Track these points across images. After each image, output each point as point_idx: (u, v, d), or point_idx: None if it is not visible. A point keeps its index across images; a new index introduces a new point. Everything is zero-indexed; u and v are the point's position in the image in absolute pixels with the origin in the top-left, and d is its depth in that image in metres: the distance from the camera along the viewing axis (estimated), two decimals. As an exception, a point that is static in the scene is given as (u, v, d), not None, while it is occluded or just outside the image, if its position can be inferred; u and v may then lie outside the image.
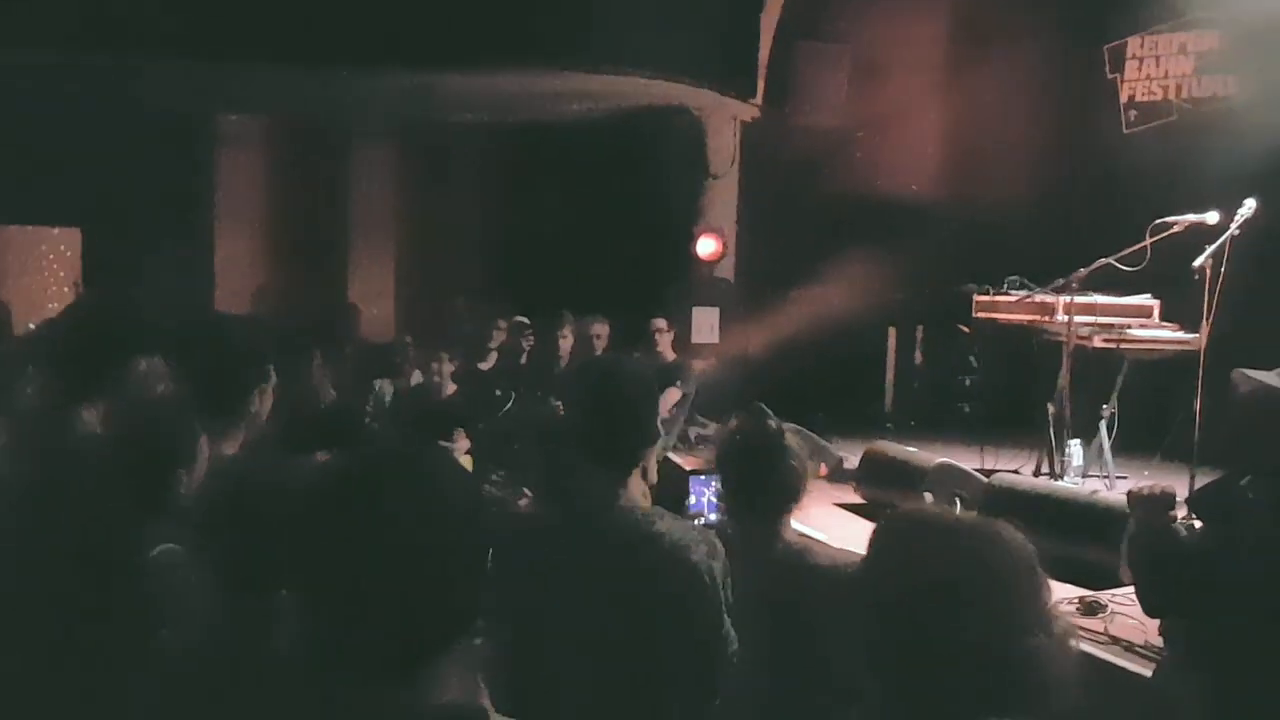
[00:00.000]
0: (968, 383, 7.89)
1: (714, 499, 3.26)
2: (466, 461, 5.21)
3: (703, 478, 3.32)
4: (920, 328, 8.27)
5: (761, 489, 2.40)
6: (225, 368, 2.54)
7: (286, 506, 1.46)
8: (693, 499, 3.27)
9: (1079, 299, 5.39)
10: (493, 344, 6.15)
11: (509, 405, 5.71)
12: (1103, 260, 5.22)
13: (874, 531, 1.33)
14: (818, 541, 2.52)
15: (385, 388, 6.02)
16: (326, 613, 1.06)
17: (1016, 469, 5.72)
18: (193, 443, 2.32)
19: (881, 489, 5.18)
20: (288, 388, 3.31)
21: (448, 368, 5.29)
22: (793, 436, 2.48)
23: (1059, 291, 5.48)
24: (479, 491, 1.22)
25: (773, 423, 2.47)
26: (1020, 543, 1.22)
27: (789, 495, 2.42)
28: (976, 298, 6.12)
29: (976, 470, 5.26)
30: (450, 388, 5.37)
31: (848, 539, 4.13)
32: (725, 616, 2.03)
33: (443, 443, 5.06)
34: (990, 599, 1.15)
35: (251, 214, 8.20)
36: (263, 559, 1.63)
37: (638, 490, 2.14)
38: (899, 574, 1.23)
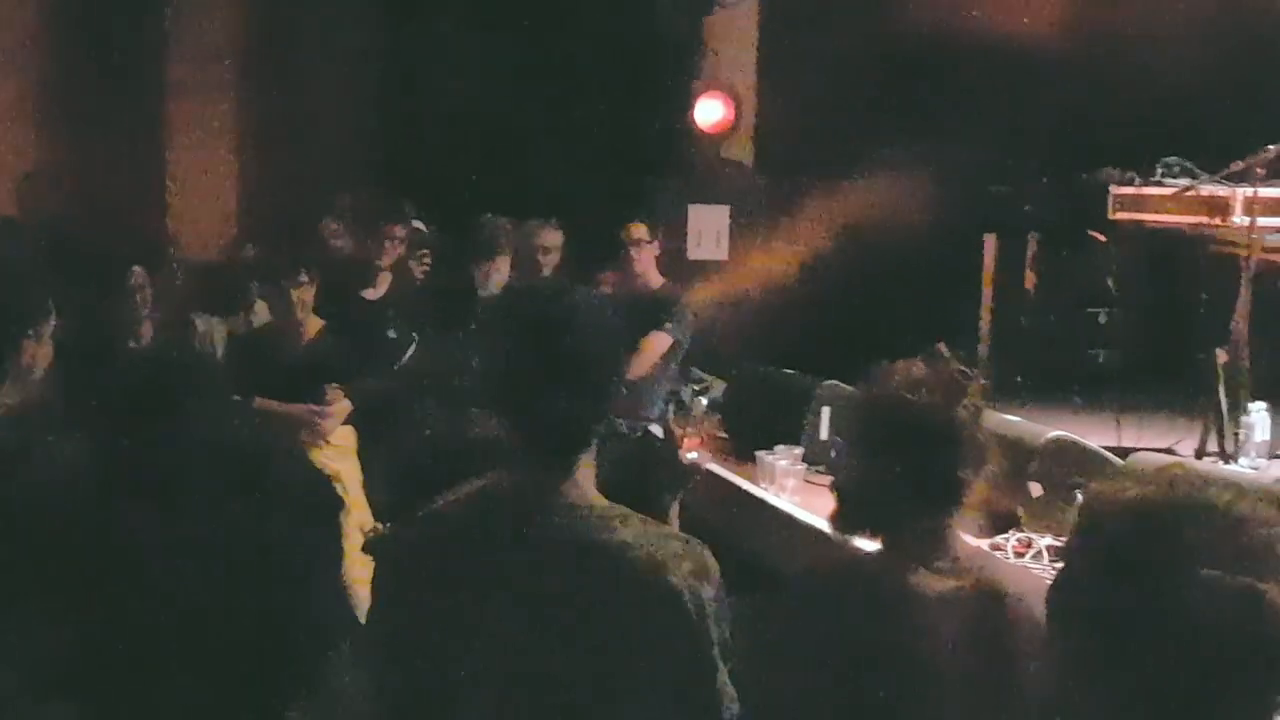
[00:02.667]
0: (1102, 318, 7.99)
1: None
2: (345, 436, 5.29)
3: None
4: (1032, 236, 8.34)
5: (940, 477, 2.36)
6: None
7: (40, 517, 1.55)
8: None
9: (1268, 192, 5.45)
10: (383, 262, 6.17)
11: (408, 353, 5.75)
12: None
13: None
14: (998, 558, 2.51)
15: (214, 328, 6.05)
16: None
17: (1170, 447, 5.83)
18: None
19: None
20: (81, 329, 3.34)
21: (308, 296, 5.32)
22: (977, 392, 2.44)
23: (1238, 181, 5.54)
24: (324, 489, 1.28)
25: (963, 374, 2.45)
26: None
27: (964, 491, 2.39)
28: (1115, 191, 6.18)
29: (1109, 449, 5.36)
30: (314, 326, 5.41)
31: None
32: (719, 662, 2.10)
33: (305, 408, 5.13)
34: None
35: (14, 64, 8.13)
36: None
37: (590, 482, 2.19)
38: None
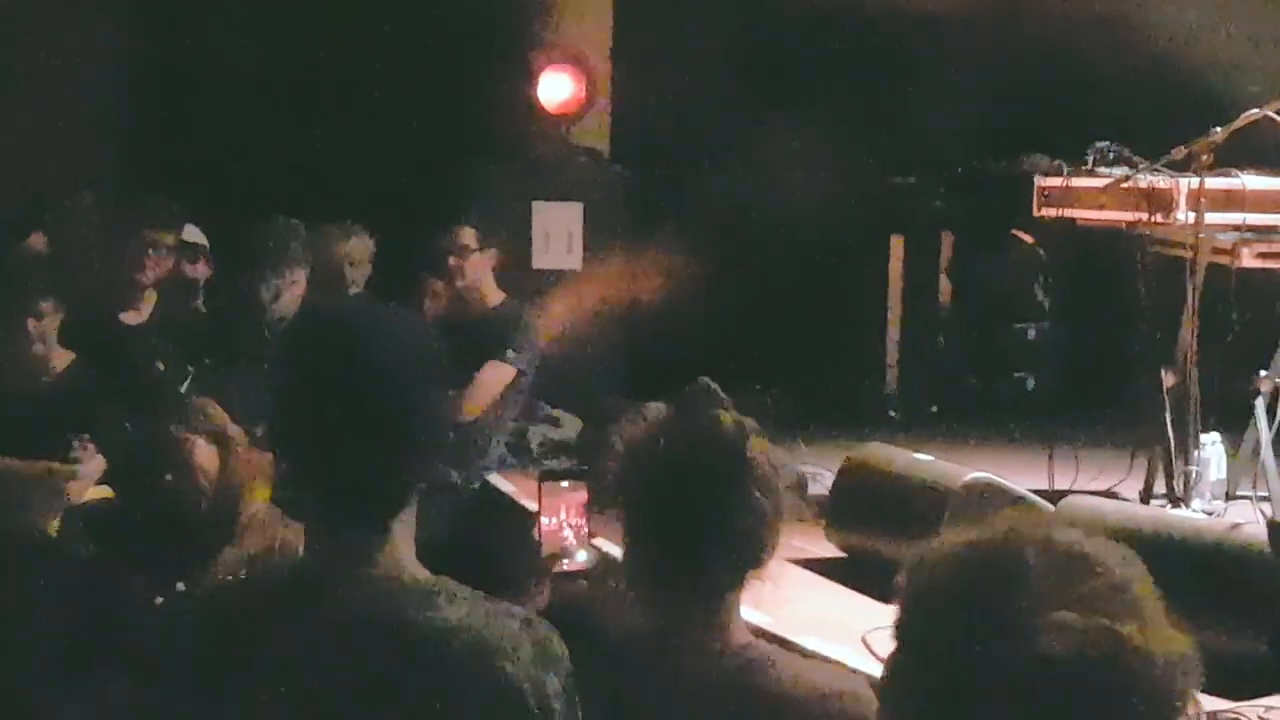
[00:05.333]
0: (1030, 334, 8.20)
1: (583, 525, 3.31)
2: (97, 495, 5.15)
3: (565, 485, 3.36)
4: (946, 237, 8.52)
5: (702, 541, 2.48)
6: None
7: None
8: (544, 528, 3.33)
9: (1215, 182, 5.63)
10: (145, 278, 6.05)
11: (181, 389, 5.65)
12: (1254, 113, 5.48)
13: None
14: (786, 649, 2.61)
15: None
16: None
17: (1109, 488, 5.99)
18: None
19: (870, 529, 5.36)
20: None
21: (52, 323, 5.20)
22: (761, 443, 2.55)
23: (1180, 170, 5.72)
24: None
25: (729, 416, 2.54)
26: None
27: (747, 560, 2.50)
28: (1041, 183, 6.34)
29: (1038, 493, 5.48)
30: (60, 360, 5.29)
31: (817, 627, 4.25)
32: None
33: (45, 466, 4.96)
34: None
35: None
36: None
37: (409, 549, 2.18)
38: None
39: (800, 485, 6.02)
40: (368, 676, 2.06)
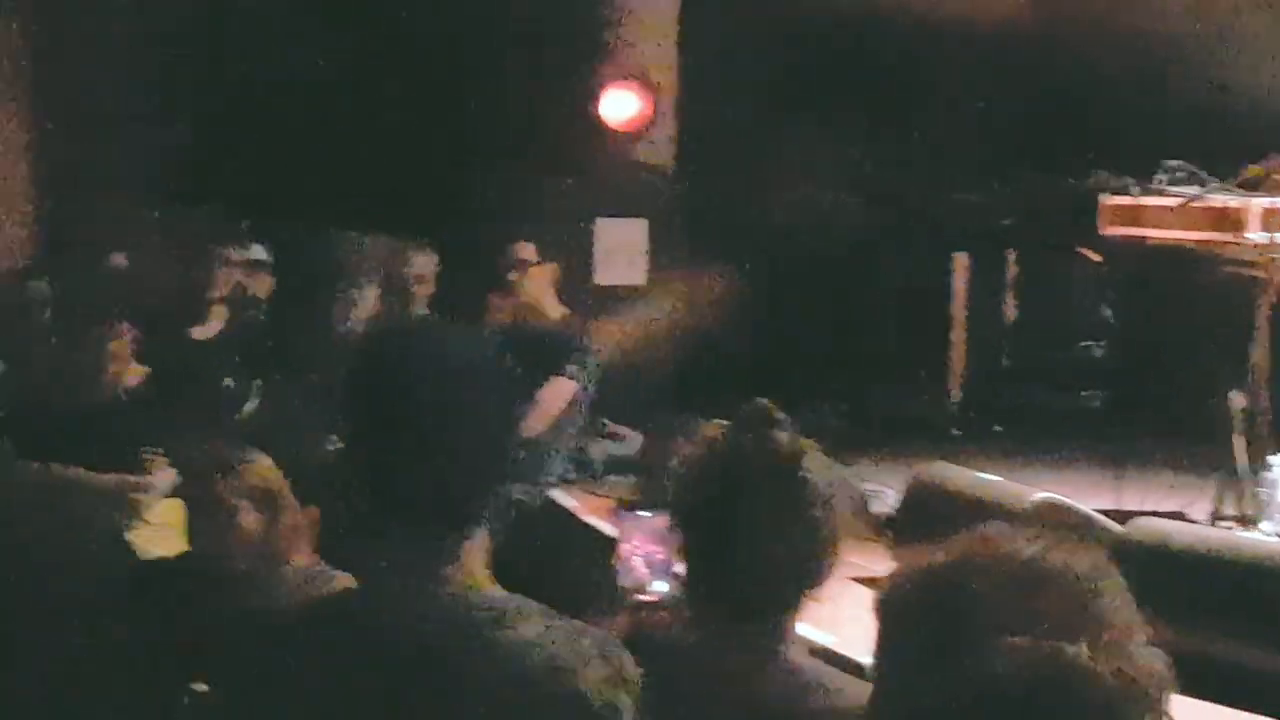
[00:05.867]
0: (1097, 352, 8.13)
1: (660, 556, 3.28)
2: (169, 512, 5.19)
3: (644, 515, 3.35)
4: (1011, 254, 8.47)
5: (758, 561, 2.48)
6: None
7: None
8: (623, 553, 3.31)
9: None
10: (214, 293, 6.11)
11: (248, 406, 5.69)
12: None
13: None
14: (846, 670, 2.60)
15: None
16: None
17: (1179, 510, 5.93)
18: None
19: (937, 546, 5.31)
20: None
21: (125, 348, 5.25)
22: (818, 460, 2.55)
23: (1253, 189, 5.67)
24: None
25: (785, 435, 2.54)
26: None
27: (807, 573, 2.50)
28: (1107, 201, 6.30)
29: (1106, 513, 5.43)
30: (133, 373, 5.34)
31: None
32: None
33: (118, 478, 5.01)
34: None
35: None
36: None
37: (480, 567, 2.19)
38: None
39: (861, 504, 6.01)
40: (441, 695, 2.06)
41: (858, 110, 7.62)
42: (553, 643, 2.09)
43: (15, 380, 5.83)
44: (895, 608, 1.57)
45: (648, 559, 3.31)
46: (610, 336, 6.80)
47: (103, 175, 7.70)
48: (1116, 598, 1.52)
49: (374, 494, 2.16)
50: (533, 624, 2.11)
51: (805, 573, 2.52)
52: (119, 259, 6.42)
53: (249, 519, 3.82)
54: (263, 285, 6.36)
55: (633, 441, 6.96)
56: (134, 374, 5.35)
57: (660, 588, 3.23)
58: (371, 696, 2.07)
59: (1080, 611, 1.48)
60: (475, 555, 2.18)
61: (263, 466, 3.98)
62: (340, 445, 2.27)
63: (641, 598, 3.25)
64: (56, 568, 3.59)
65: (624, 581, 3.28)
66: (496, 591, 2.17)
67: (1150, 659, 1.48)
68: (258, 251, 6.40)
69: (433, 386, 2.11)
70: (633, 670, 2.15)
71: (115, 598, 3.67)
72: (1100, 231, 6.30)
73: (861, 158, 7.40)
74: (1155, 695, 1.47)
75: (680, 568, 2.66)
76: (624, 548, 3.29)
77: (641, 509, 3.39)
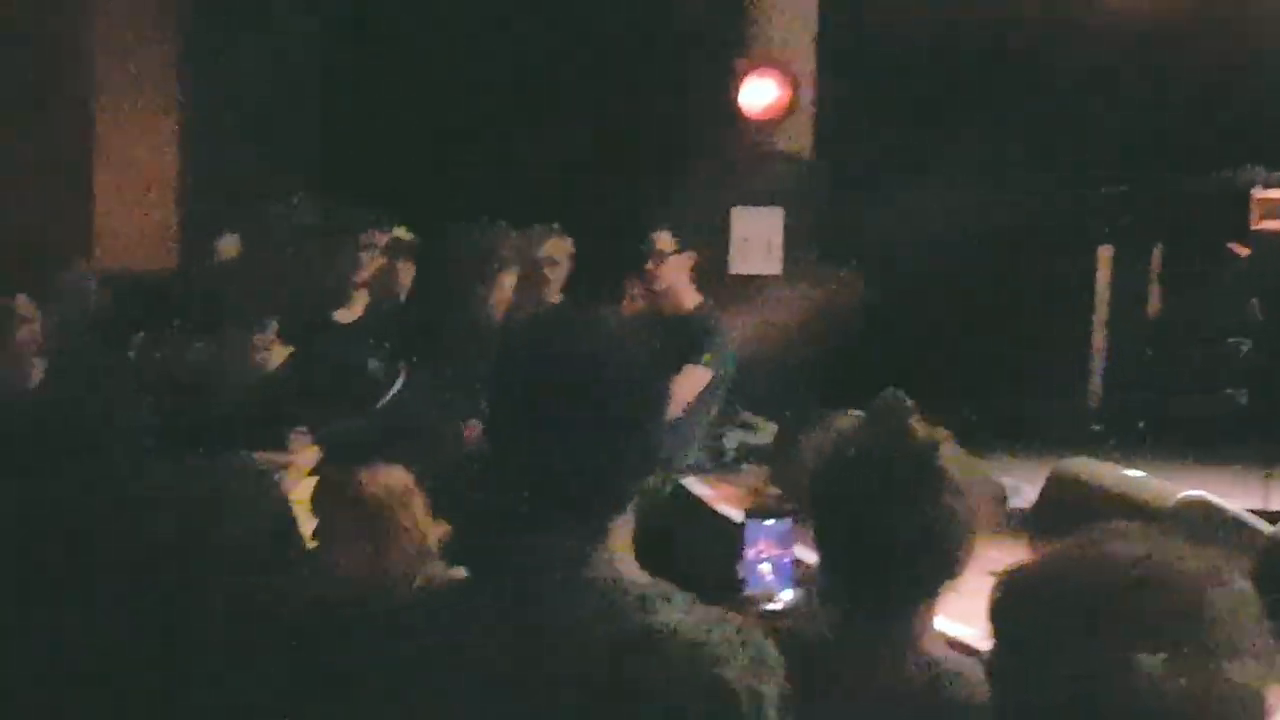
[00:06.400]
0: (1244, 349, 7.98)
1: (789, 562, 3.28)
2: (307, 490, 5.29)
3: (770, 524, 3.35)
4: (1156, 249, 8.34)
5: (891, 557, 2.49)
6: None
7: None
8: (749, 561, 3.30)
9: None
10: (358, 277, 6.20)
11: (393, 389, 5.76)
12: None
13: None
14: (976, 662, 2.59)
15: (156, 354, 6.07)
16: None
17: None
18: None
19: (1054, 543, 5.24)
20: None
21: (271, 337, 5.36)
22: (953, 451, 2.55)
23: None
24: None
25: (920, 429, 2.54)
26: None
27: (941, 570, 2.51)
28: (1259, 195, 6.19)
29: (1255, 513, 5.33)
30: (278, 355, 5.44)
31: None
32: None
33: (260, 456, 5.12)
34: None
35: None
36: None
37: (626, 553, 2.21)
38: None
39: (1000, 497, 5.95)
40: (585, 680, 2.08)
41: (1001, 101, 7.54)
42: (698, 630, 2.10)
43: (166, 369, 5.96)
44: (1004, 603, 1.58)
45: (775, 564, 3.30)
46: (745, 326, 6.79)
47: (249, 165, 7.86)
48: (1227, 607, 1.49)
49: (522, 478, 2.19)
50: (676, 610, 2.13)
51: (941, 563, 2.52)
52: (264, 245, 6.54)
53: (379, 507, 3.87)
54: (406, 271, 6.43)
55: (767, 431, 6.95)
56: (279, 356, 5.46)
57: (787, 595, 3.21)
58: (518, 680, 2.10)
59: (1177, 619, 1.47)
60: (620, 540, 2.19)
61: (393, 470, 4.02)
62: (483, 429, 2.30)
63: (769, 606, 3.24)
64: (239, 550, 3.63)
65: (752, 589, 3.26)
66: (641, 576, 2.18)
67: (1248, 673, 1.45)
68: (401, 236, 6.48)
69: (584, 371, 2.14)
70: (775, 658, 2.16)
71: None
72: (1251, 226, 6.21)
73: (1005, 149, 7.31)
74: (1238, 710, 1.46)
75: (813, 559, 2.66)
76: (750, 553, 3.28)
77: (767, 515, 3.37)
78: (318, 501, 4.01)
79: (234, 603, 2.98)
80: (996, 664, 1.60)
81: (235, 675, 2.96)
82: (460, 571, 3.78)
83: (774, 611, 3.23)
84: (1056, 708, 1.47)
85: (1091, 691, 1.43)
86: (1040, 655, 1.50)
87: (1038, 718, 1.51)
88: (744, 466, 6.50)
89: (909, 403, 2.60)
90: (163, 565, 2.89)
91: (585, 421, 2.11)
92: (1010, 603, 1.58)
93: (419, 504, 3.98)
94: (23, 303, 5.73)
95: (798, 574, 3.30)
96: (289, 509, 4.15)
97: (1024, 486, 5.99)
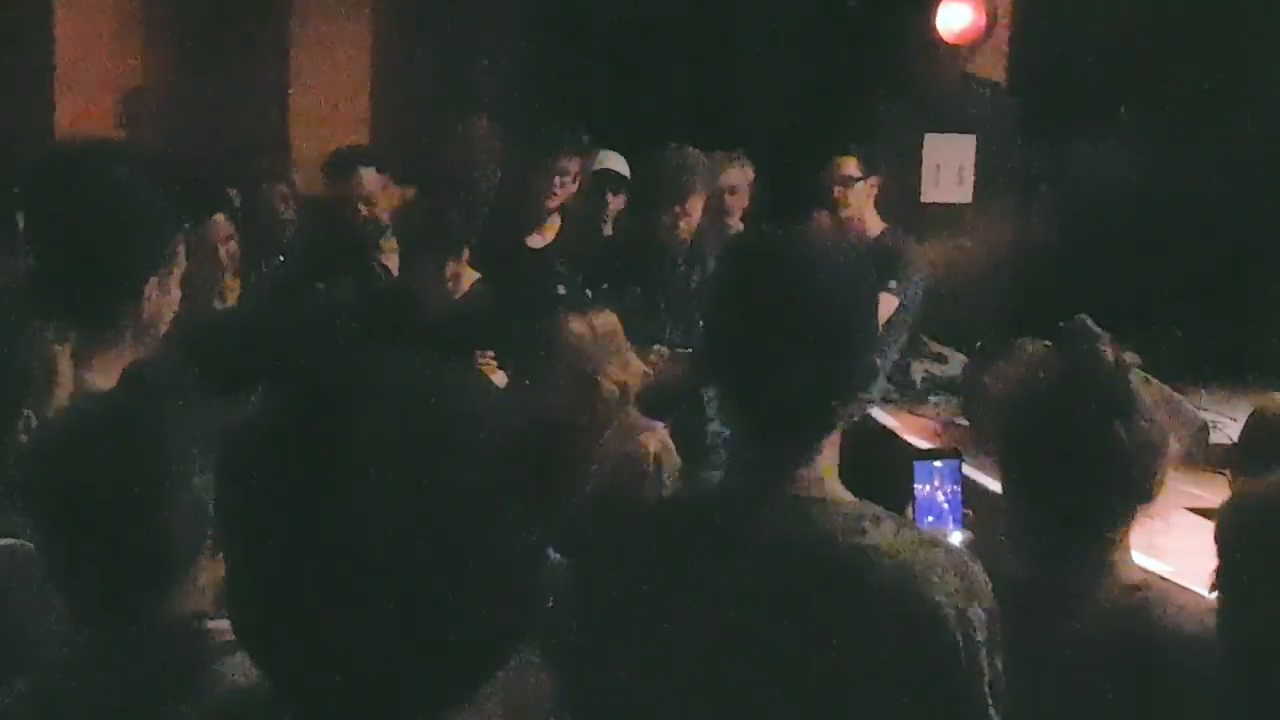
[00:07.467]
0: None
1: (958, 502, 3.26)
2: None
3: (938, 464, 3.33)
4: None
5: (1084, 481, 2.48)
6: (97, 238, 2.70)
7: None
8: (919, 500, 3.29)
9: None
10: (550, 203, 6.23)
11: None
12: None
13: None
14: (1180, 589, 2.56)
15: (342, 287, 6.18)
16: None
17: None
18: (46, 364, 2.49)
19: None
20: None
21: (463, 266, 5.44)
22: (1143, 376, 2.54)
23: None
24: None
25: (1110, 352, 2.53)
26: None
27: (1135, 493, 2.49)
28: None
29: None
30: (467, 279, 5.52)
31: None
32: (989, 702, 2.10)
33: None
34: None
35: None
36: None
37: (834, 474, 2.22)
38: None
39: (1201, 430, 5.83)
40: (793, 597, 2.10)
41: (1198, 29, 7.29)
42: (907, 550, 2.11)
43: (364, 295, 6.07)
44: (1233, 533, 1.57)
45: (946, 503, 3.27)
46: (935, 255, 6.72)
47: (443, 92, 7.94)
48: None
49: (736, 396, 2.21)
50: (886, 530, 2.14)
51: (1134, 487, 2.50)
52: (460, 172, 6.60)
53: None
54: (615, 199, 6.38)
55: (955, 362, 6.88)
56: (469, 279, 5.52)
57: (956, 537, 3.19)
58: (725, 594, 2.13)
59: None
60: (829, 461, 2.20)
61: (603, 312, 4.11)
62: (698, 348, 2.32)
63: None
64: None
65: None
66: (848, 497, 2.19)
67: None
68: (614, 164, 6.42)
69: (801, 288, 2.15)
70: (984, 583, 2.16)
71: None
72: None
73: (1205, 79, 7.07)
74: None
75: (1000, 489, 2.64)
76: (920, 491, 3.27)
77: (935, 456, 3.35)
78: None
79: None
80: (1224, 585, 1.59)
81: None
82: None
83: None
84: None
85: None
86: (1271, 576, 1.48)
87: (1268, 639, 1.49)
88: (932, 398, 6.43)
89: (1097, 328, 2.58)
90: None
91: (805, 337, 2.12)
92: (1242, 523, 1.57)
93: (625, 347, 4.04)
94: (221, 222, 5.88)
95: (964, 515, 3.28)
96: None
97: (1225, 421, 5.86)
